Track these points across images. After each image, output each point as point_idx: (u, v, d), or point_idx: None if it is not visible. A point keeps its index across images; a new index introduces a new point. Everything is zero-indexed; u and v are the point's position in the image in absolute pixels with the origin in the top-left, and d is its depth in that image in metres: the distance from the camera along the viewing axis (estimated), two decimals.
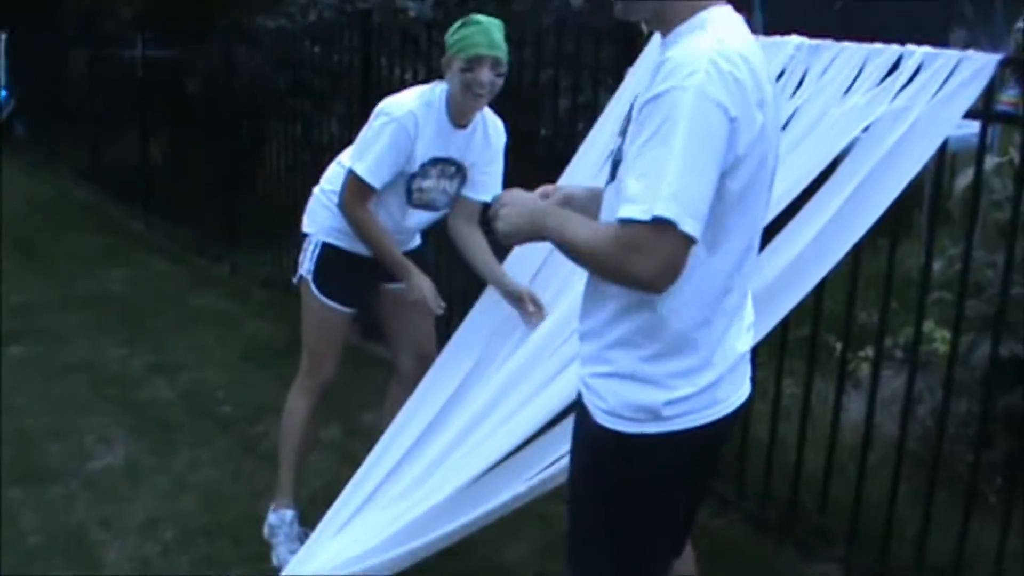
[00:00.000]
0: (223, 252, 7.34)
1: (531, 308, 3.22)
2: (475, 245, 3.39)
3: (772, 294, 2.94)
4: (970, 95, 2.80)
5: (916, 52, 2.90)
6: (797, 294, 2.99)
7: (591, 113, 3.90)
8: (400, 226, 3.39)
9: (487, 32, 3.13)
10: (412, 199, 3.33)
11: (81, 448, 4.28)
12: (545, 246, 2.76)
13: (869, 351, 3.92)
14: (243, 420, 4.59)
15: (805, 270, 2.98)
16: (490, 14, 3.26)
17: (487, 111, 3.36)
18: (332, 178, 3.43)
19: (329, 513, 3.13)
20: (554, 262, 3.24)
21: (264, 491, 3.80)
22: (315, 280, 3.42)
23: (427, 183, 3.30)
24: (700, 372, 2.00)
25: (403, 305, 3.46)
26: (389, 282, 3.50)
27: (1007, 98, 7.33)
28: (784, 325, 3.17)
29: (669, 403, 1.98)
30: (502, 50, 3.15)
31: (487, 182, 3.38)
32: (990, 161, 5.50)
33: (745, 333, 2.15)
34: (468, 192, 3.39)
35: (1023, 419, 3.44)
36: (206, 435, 4.44)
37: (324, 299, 3.44)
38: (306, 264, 3.44)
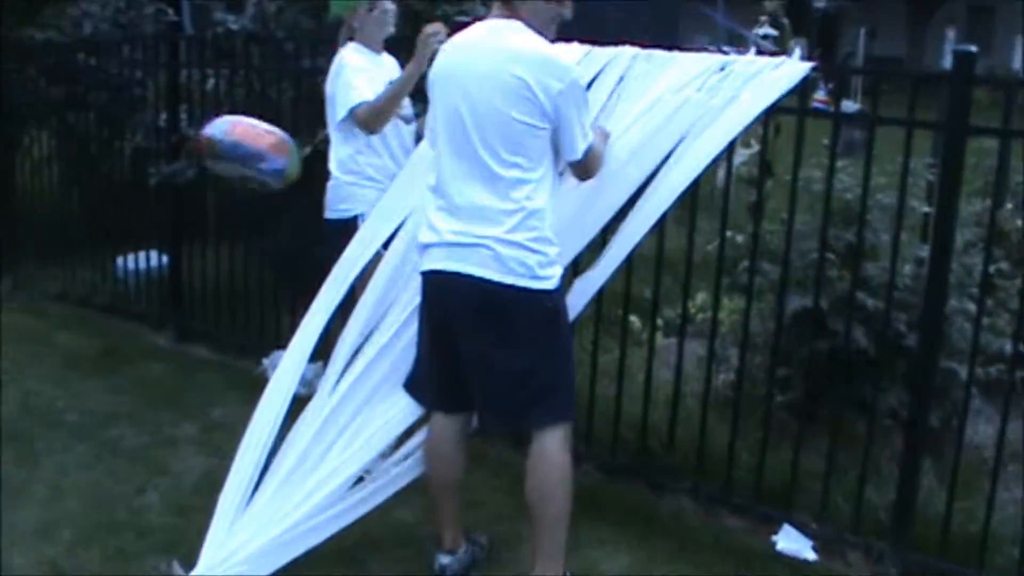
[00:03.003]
0: (2, 269, 7.16)
1: None
2: None
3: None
4: (783, 90, 3.40)
5: (741, 58, 3.49)
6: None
7: None
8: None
9: None
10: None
11: None
12: None
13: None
14: (94, 426, 4.64)
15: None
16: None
17: None
18: (340, 162, 4.05)
19: (220, 508, 3.34)
20: None
21: (145, 486, 4.02)
22: None
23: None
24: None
25: None
26: None
27: (818, 96, 8.29)
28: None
29: None
30: None
31: None
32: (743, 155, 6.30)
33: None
34: None
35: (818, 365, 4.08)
36: (64, 443, 4.46)
37: None
38: None
